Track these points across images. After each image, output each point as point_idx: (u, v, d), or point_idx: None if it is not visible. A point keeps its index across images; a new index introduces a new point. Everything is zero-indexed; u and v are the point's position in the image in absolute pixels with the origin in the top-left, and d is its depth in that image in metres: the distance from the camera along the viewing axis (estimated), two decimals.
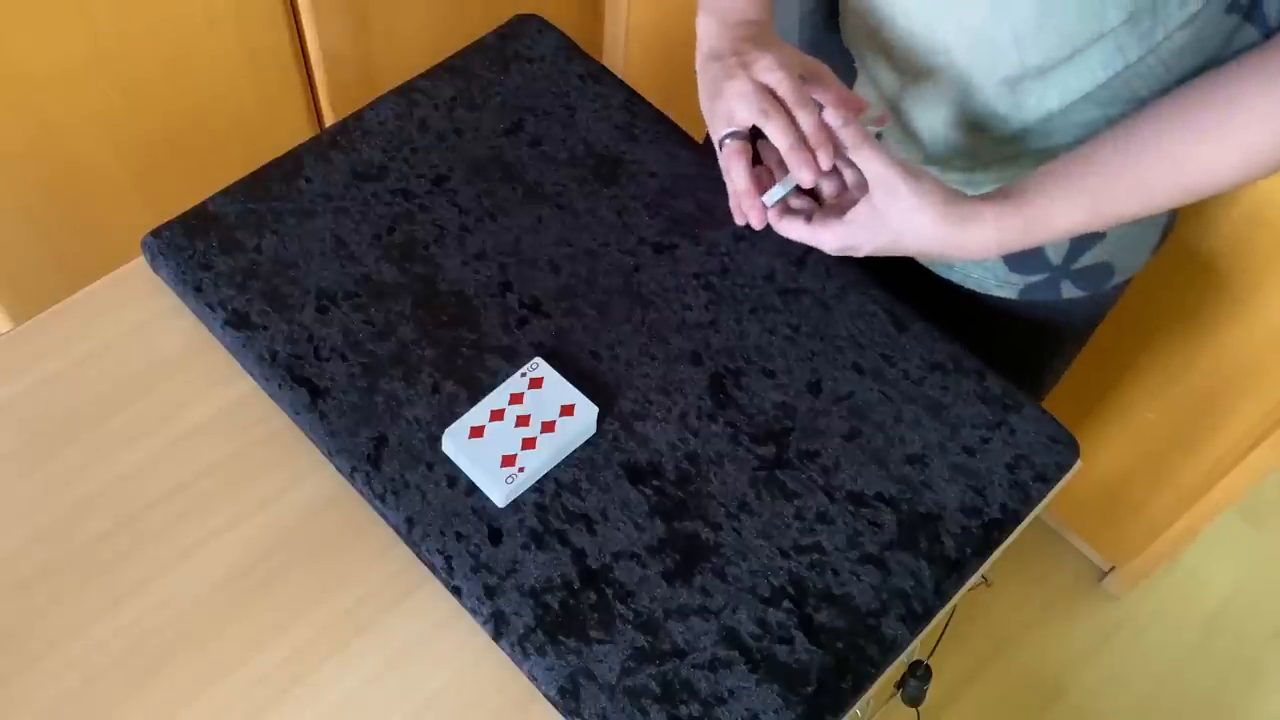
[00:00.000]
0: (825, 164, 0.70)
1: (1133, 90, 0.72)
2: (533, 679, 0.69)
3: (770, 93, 0.70)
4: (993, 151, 0.79)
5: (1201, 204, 1.16)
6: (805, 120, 0.70)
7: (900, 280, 0.88)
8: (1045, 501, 0.78)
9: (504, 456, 0.74)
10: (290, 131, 1.35)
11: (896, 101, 0.80)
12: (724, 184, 0.89)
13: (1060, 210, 0.70)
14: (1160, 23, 0.67)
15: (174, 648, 0.70)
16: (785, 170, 0.77)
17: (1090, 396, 1.45)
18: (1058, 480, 0.78)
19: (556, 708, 0.68)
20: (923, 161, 0.82)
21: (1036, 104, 0.74)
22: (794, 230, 0.75)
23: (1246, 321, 1.23)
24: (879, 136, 0.83)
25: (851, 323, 0.83)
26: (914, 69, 0.77)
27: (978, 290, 0.90)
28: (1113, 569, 1.66)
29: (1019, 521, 0.76)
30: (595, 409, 0.76)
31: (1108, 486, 1.54)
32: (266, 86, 1.28)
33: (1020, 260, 0.86)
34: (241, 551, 0.74)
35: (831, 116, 0.70)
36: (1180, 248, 1.21)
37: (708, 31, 0.75)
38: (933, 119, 0.79)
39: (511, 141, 0.91)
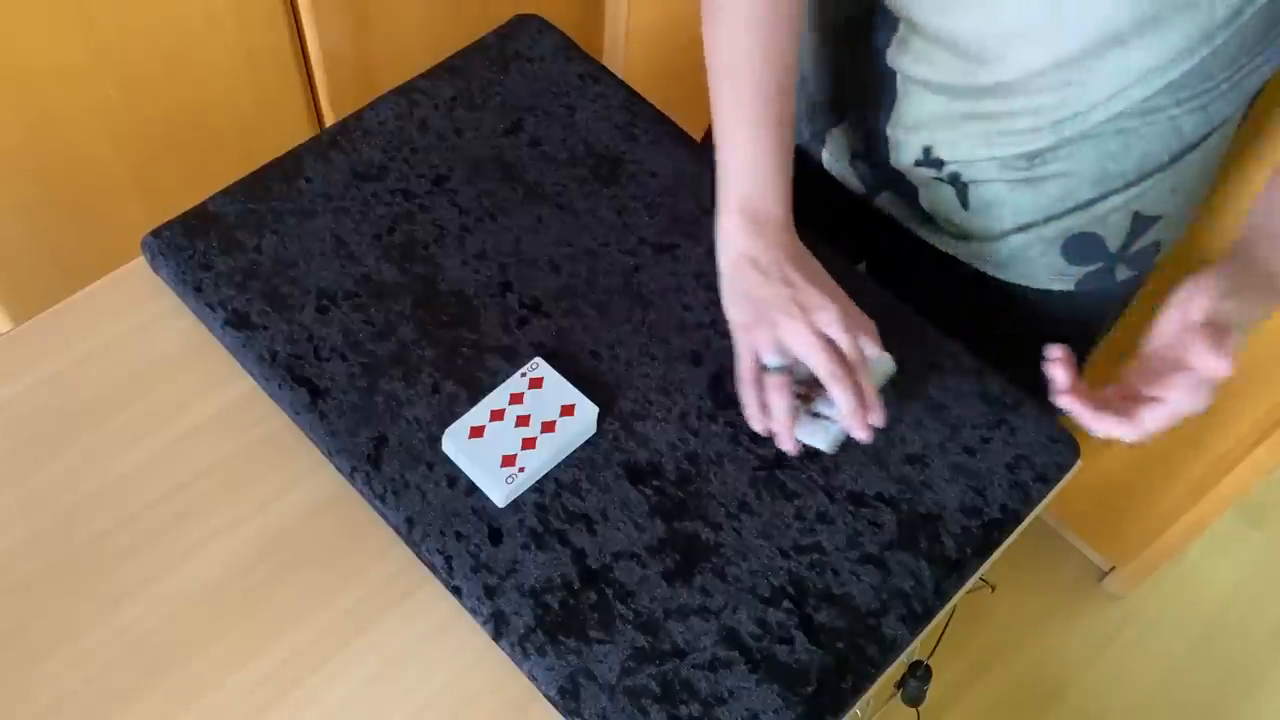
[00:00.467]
0: (879, 423, 0.72)
1: (1206, 69, 0.70)
2: (533, 679, 0.69)
3: (834, 348, 0.72)
4: (1061, 148, 0.77)
5: (1201, 204, 1.16)
6: (866, 383, 0.72)
7: (941, 277, 0.87)
8: (1045, 501, 0.78)
9: (504, 456, 0.74)
10: (290, 131, 1.35)
11: (972, 117, 0.78)
12: None
13: None
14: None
15: (174, 648, 0.70)
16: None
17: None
18: (1058, 480, 0.78)
19: (556, 708, 0.68)
20: (985, 159, 0.80)
21: (1123, 96, 0.72)
22: (1161, 418, 0.69)
23: None
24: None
25: None
26: (981, 50, 0.74)
27: (1030, 285, 0.90)
28: (1113, 569, 1.66)
29: (1019, 521, 0.76)
30: (595, 409, 0.76)
31: (1108, 486, 1.54)
32: (266, 86, 1.28)
33: (1078, 251, 0.86)
34: (241, 552, 0.74)
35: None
36: (1180, 247, 1.21)
37: (738, 229, 0.76)
38: (1010, 133, 0.77)
39: (511, 141, 0.91)
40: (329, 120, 1.38)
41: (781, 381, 0.73)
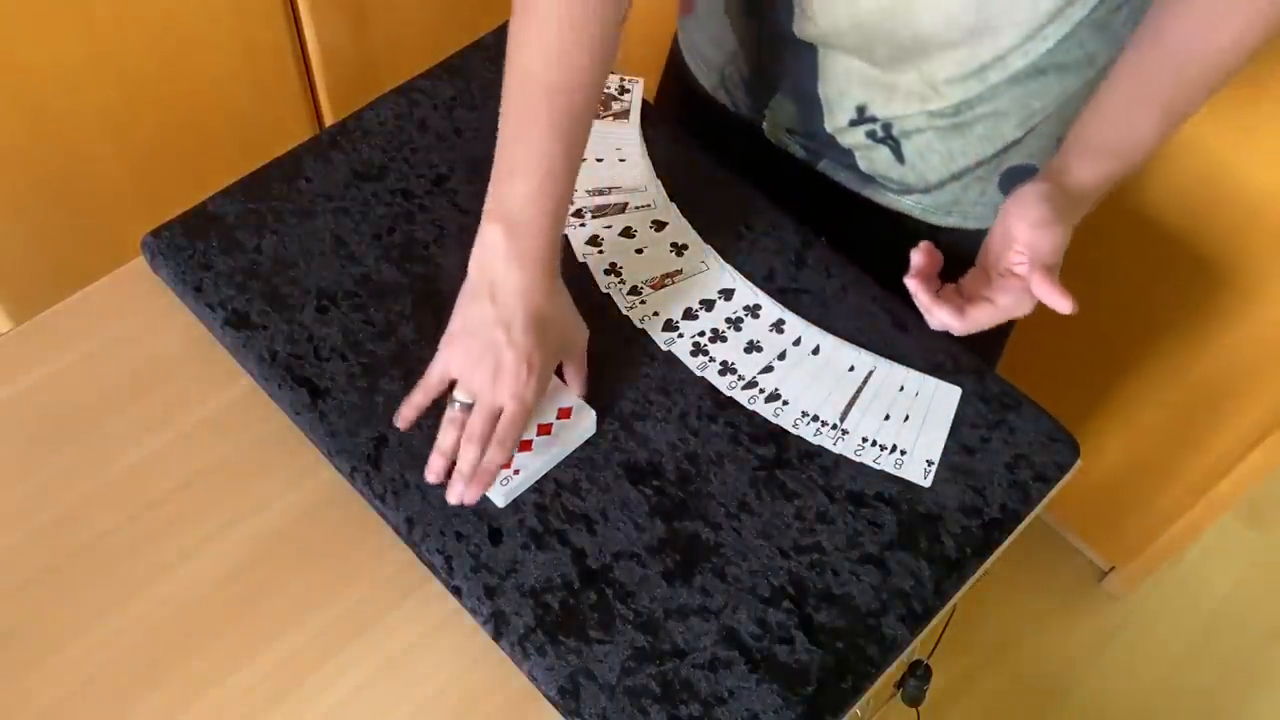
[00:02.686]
0: (470, 499, 0.71)
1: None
2: (533, 679, 0.69)
3: (491, 417, 0.71)
4: (986, 94, 0.79)
5: (1201, 204, 1.16)
6: (485, 458, 0.71)
7: (895, 234, 0.87)
8: (1045, 501, 0.78)
9: None
10: (290, 131, 1.35)
11: (881, 62, 0.80)
12: (724, 182, 0.89)
13: (1142, 133, 0.73)
14: None
15: (174, 647, 0.70)
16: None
17: (1090, 396, 1.45)
18: (1057, 480, 0.78)
19: (556, 708, 0.68)
20: (915, 110, 0.81)
21: (1039, 39, 0.75)
22: (986, 316, 0.74)
23: (1247, 321, 1.23)
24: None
25: (851, 322, 0.83)
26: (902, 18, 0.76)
27: (977, 228, 0.91)
28: (1113, 569, 1.66)
29: (1019, 521, 0.76)
30: (593, 413, 0.76)
31: (1108, 486, 1.54)
32: (266, 86, 1.28)
33: (1015, 183, 0.86)
34: (241, 551, 0.74)
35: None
36: (1180, 247, 1.21)
37: (496, 253, 0.71)
38: (925, 70, 0.79)
39: None
40: (329, 120, 1.38)
41: (460, 419, 0.72)
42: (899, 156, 0.86)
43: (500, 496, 0.73)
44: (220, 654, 0.70)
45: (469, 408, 0.72)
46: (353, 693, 0.69)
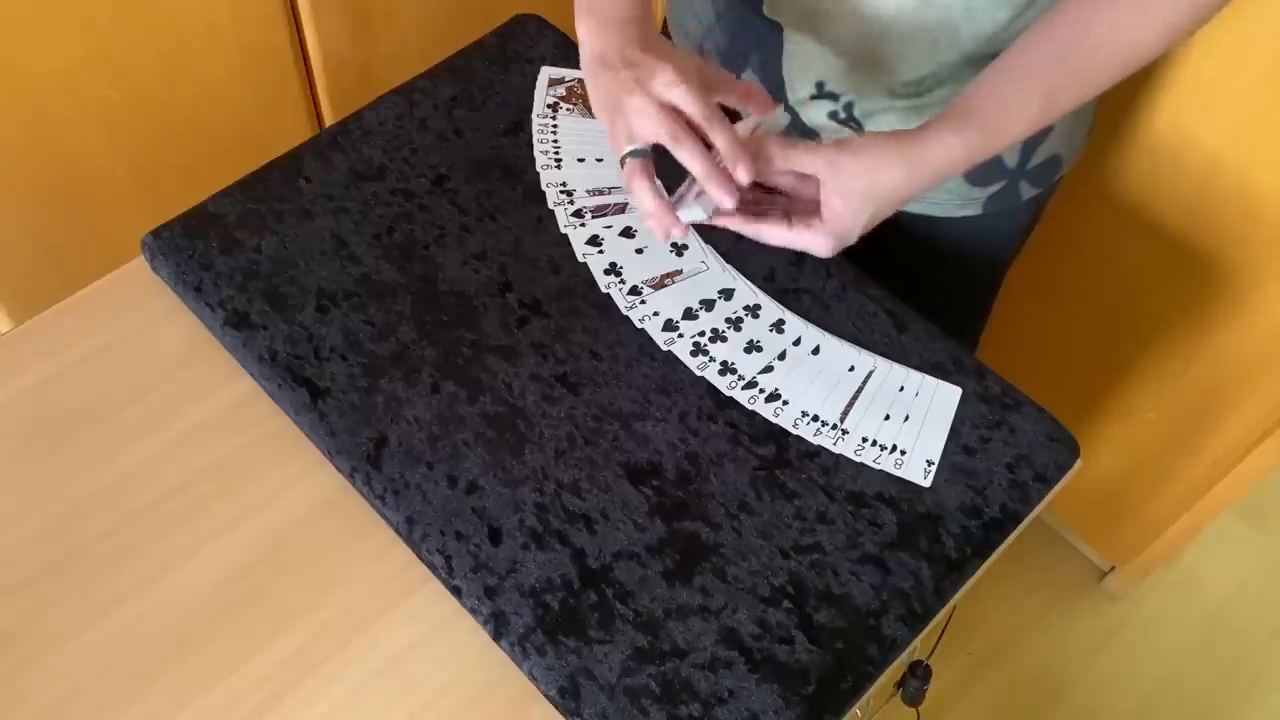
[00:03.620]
0: (745, 179, 0.67)
1: None
2: (533, 679, 0.69)
3: (676, 112, 0.68)
4: (943, 73, 0.80)
5: (1200, 204, 1.16)
6: (717, 138, 0.68)
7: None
8: (1045, 501, 0.78)
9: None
10: (290, 131, 1.35)
11: (842, 42, 0.80)
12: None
13: (1015, 110, 0.70)
14: None
15: (174, 648, 0.70)
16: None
17: (1090, 396, 1.45)
18: (1058, 480, 0.78)
19: (556, 708, 0.68)
20: (875, 89, 0.81)
21: (988, 18, 0.75)
22: (778, 236, 0.73)
23: (1246, 321, 1.23)
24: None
25: (851, 322, 0.83)
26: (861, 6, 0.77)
27: (941, 215, 0.91)
28: (1113, 569, 1.66)
29: (1019, 521, 0.76)
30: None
31: (1108, 486, 1.54)
32: (266, 86, 1.28)
33: (980, 173, 0.87)
34: (241, 551, 0.74)
35: (741, 130, 0.69)
36: (1180, 247, 1.21)
37: (590, 32, 0.72)
38: (883, 51, 0.79)
39: (511, 141, 0.91)
40: (329, 120, 1.38)
41: (635, 166, 0.69)
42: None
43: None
44: (220, 654, 0.70)
45: (642, 153, 0.69)
46: (353, 693, 0.69)
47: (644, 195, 0.70)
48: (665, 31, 1.01)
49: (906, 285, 0.86)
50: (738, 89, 0.72)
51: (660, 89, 0.67)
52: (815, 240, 0.72)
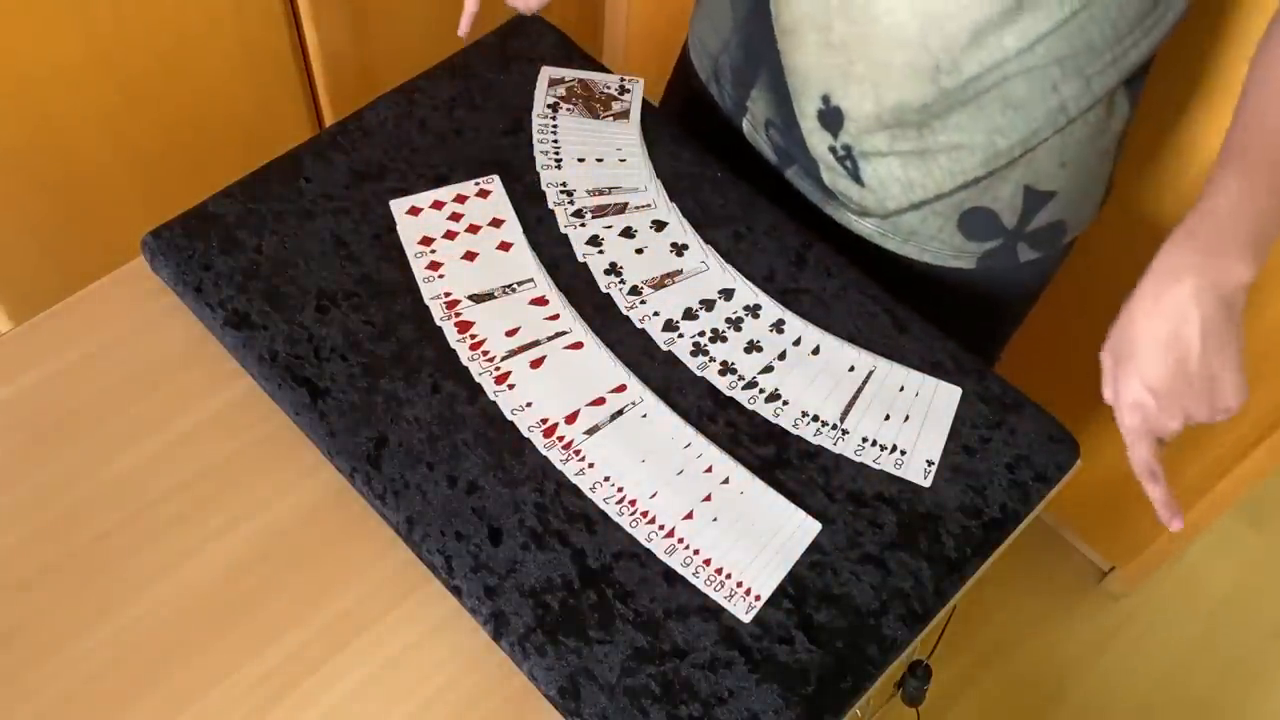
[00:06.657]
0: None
1: (1087, 35, 0.73)
2: (533, 679, 0.69)
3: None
4: (946, 100, 0.79)
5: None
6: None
7: (858, 259, 0.88)
8: (1045, 501, 0.78)
9: None
10: (290, 131, 1.35)
11: (850, 57, 0.80)
12: (724, 182, 0.89)
13: (1218, 183, 0.74)
14: None
15: (174, 648, 0.70)
16: None
17: (1090, 396, 1.45)
18: (1058, 480, 0.78)
19: (556, 708, 0.68)
20: (876, 116, 0.81)
21: (995, 46, 0.74)
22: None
23: (1246, 321, 1.23)
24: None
25: (851, 322, 0.83)
26: (869, 19, 0.77)
27: (933, 263, 0.91)
28: (1113, 569, 1.66)
29: (1019, 521, 0.76)
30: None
31: (1108, 486, 1.54)
32: (266, 86, 1.28)
33: (974, 227, 0.87)
34: (241, 551, 0.74)
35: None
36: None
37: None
38: (887, 75, 0.78)
39: (511, 141, 0.91)
40: (329, 120, 1.38)
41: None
42: (857, 179, 0.85)
43: None
44: (220, 654, 0.70)
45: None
46: (353, 693, 0.69)
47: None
48: (683, 56, 1.01)
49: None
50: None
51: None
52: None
